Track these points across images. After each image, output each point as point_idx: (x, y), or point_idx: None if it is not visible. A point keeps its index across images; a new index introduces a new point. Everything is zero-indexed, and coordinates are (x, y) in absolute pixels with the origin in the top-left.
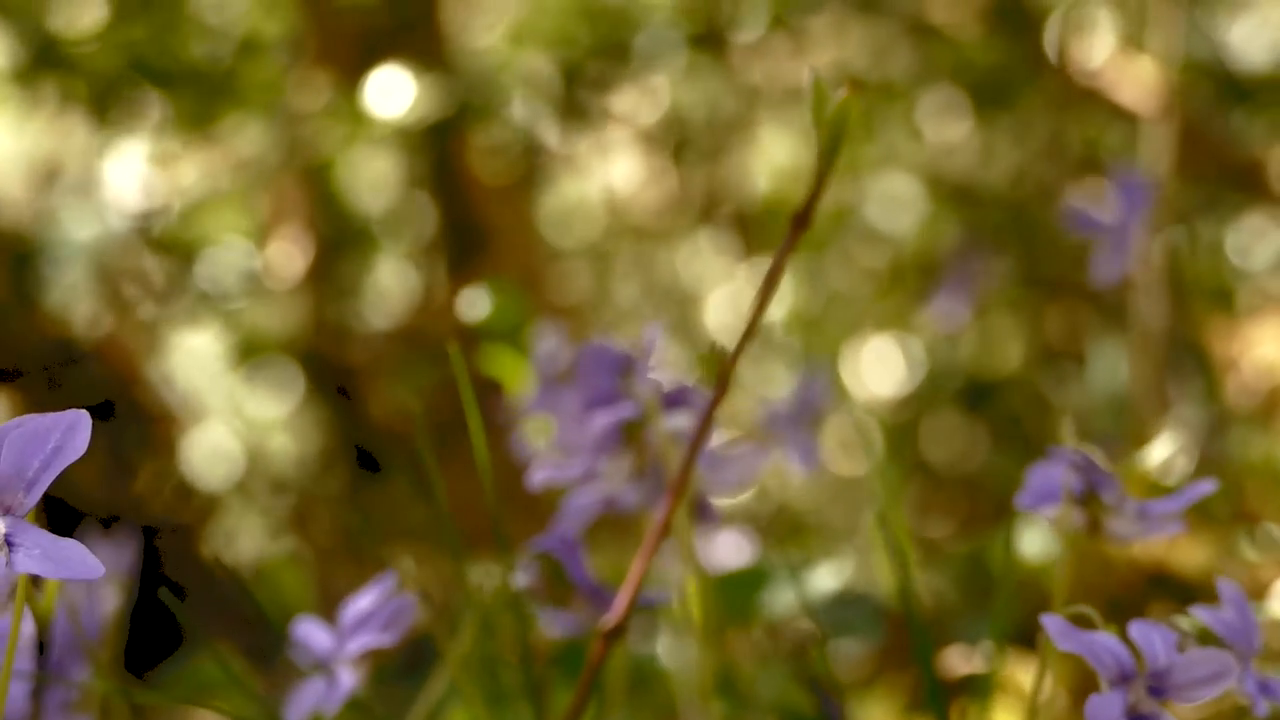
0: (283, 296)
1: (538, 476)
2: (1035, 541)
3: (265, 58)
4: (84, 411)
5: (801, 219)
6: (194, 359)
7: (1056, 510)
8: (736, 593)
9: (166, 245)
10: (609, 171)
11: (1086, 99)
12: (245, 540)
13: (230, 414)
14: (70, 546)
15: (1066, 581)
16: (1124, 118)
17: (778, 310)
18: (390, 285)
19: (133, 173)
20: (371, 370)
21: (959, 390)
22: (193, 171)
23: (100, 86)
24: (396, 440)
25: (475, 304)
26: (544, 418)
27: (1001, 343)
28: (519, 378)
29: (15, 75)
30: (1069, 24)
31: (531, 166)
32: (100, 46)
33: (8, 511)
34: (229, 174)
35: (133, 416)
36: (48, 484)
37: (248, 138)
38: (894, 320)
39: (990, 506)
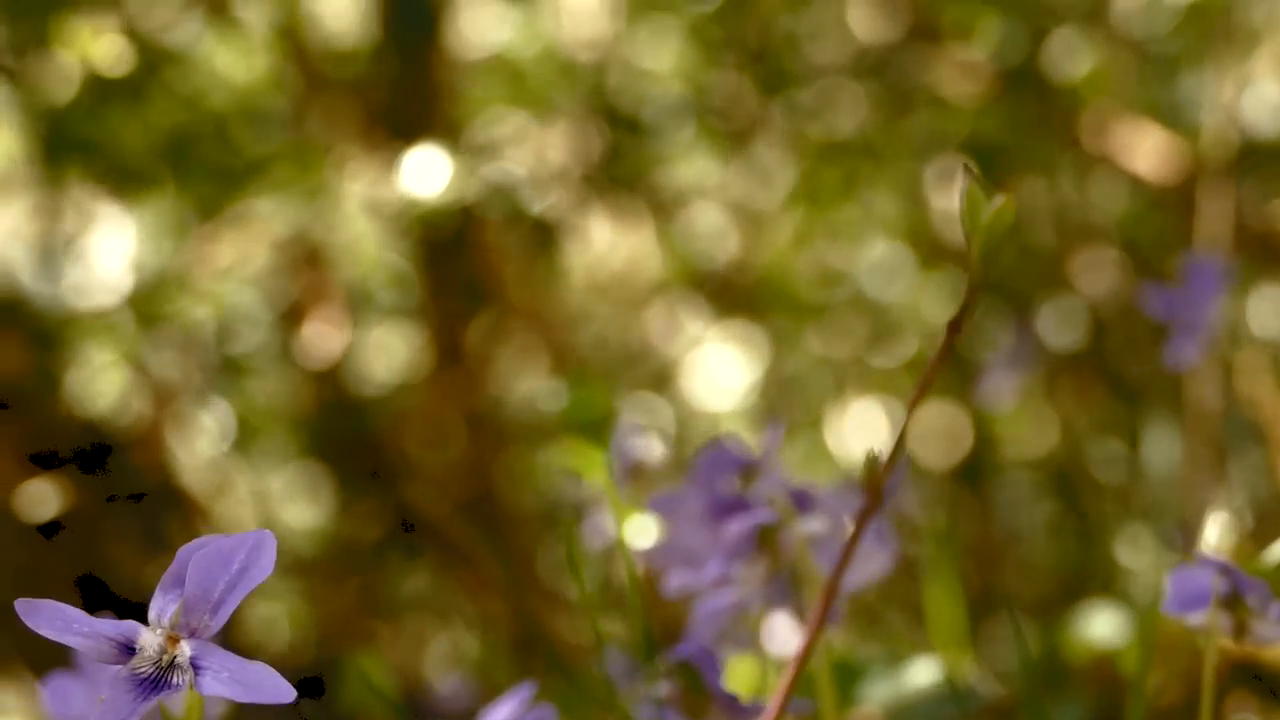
0: (315, 375)
1: (673, 583)
2: (1105, 625)
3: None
4: (268, 532)
5: (955, 326)
6: (223, 439)
7: (1203, 615)
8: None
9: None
10: (607, 239)
11: (1099, 167)
12: (280, 624)
13: (258, 494)
14: (259, 670)
15: (1149, 668)
16: (1138, 185)
17: (754, 373)
18: (410, 358)
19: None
20: (401, 448)
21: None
22: (228, 251)
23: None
24: (428, 521)
25: (556, 396)
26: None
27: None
28: (598, 470)
29: (33, 157)
30: (1082, 93)
31: (542, 237)
32: (122, 127)
33: (193, 634)
34: (264, 254)
35: (165, 497)
36: (234, 606)
37: (281, 218)
38: (879, 385)
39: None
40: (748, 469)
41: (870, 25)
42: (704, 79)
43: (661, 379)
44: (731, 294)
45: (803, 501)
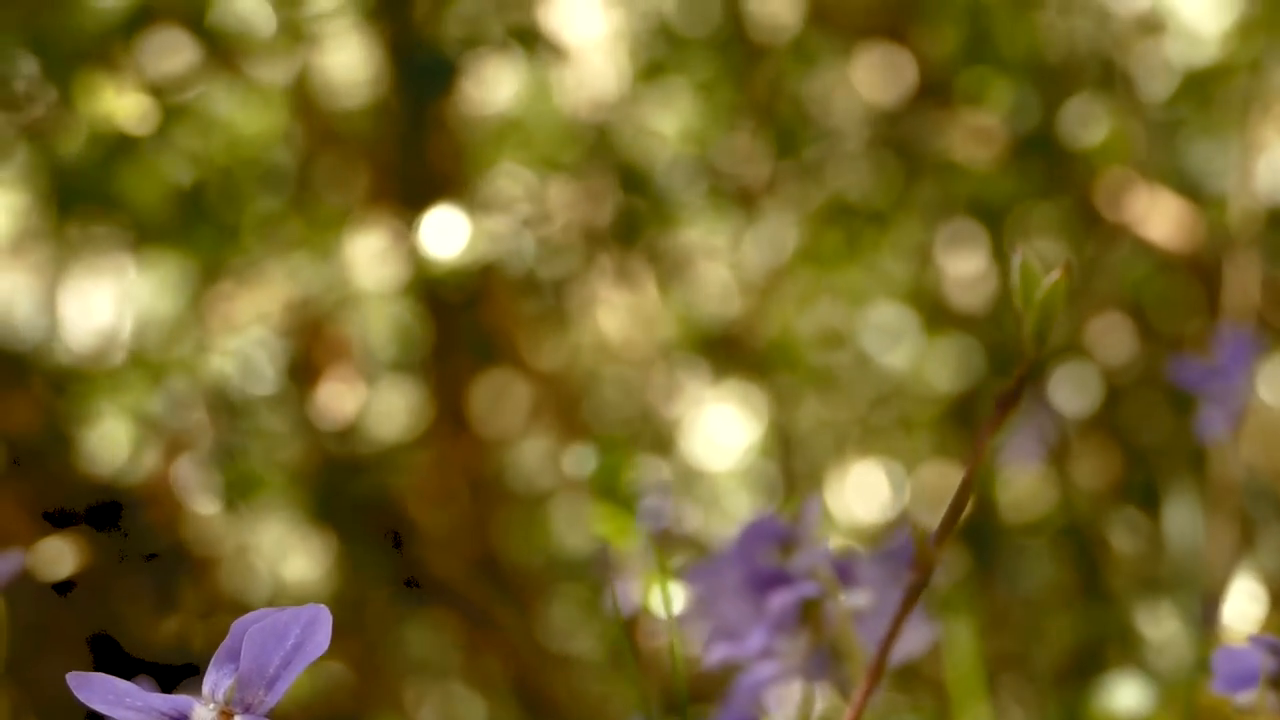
0: (324, 434)
1: (715, 654)
2: (1130, 695)
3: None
4: (323, 607)
5: (1008, 401)
6: (232, 497)
7: (1252, 694)
8: None
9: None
10: (613, 299)
11: (1114, 234)
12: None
13: (266, 552)
14: None
15: None
16: (1153, 253)
17: (755, 433)
18: (417, 417)
19: (137, 307)
20: (408, 506)
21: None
22: (239, 309)
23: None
24: (434, 580)
25: (583, 461)
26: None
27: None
28: (625, 536)
29: (44, 211)
30: (1097, 159)
31: (551, 297)
32: (135, 182)
33: (248, 710)
34: (276, 312)
35: (176, 556)
36: (290, 681)
37: (293, 277)
38: (881, 447)
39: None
40: (787, 540)
41: (880, 88)
42: (712, 140)
43: (662, 439)
44: (734, 354)
45: (846, 574)
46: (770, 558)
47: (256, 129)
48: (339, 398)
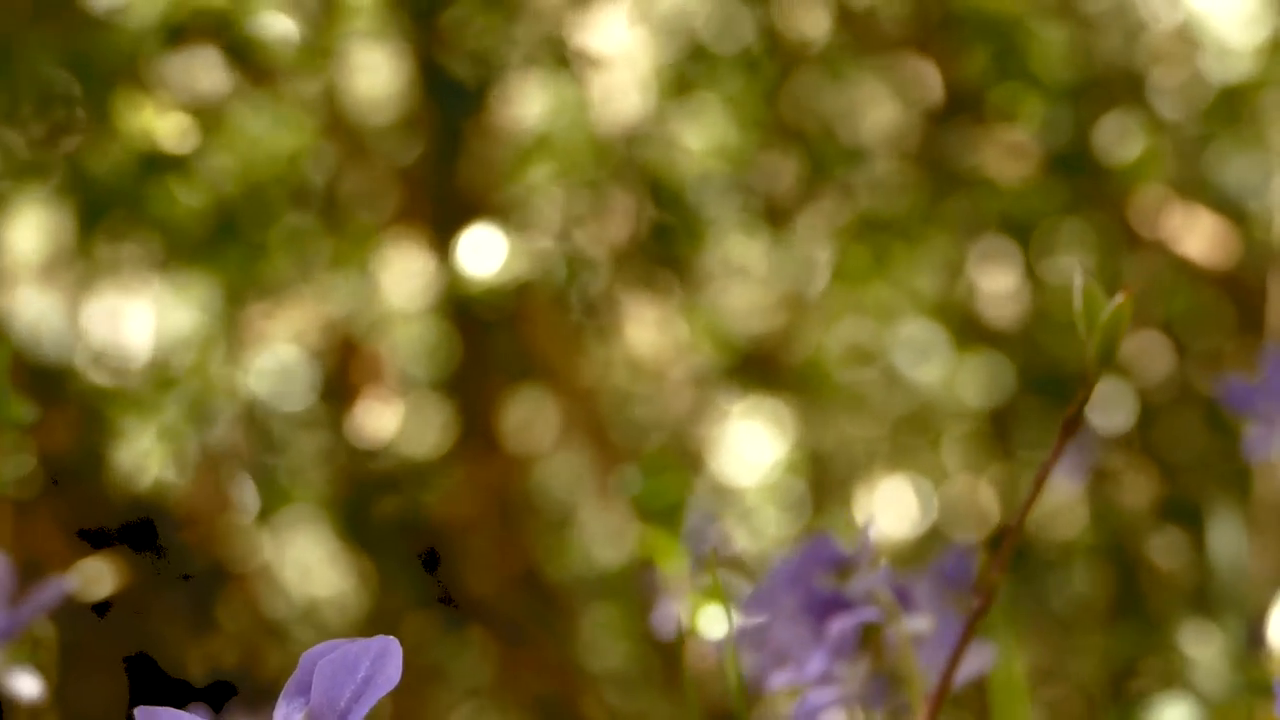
0: (360, 452)
1: (776, 680)
2: (1179, 716)
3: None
4: (393, 639)
5: (1071, 425)
6: (267, 515)
7: None
8: None
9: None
10: (644, 315)
11: (1149, 252)
12: None
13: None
14: None
15: None
16: (1189, 271)
17: (780, 450)
18: (452, 434)
19: (172, 325)
20: (443, 524)
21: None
22: (275, 328)
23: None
24: (470, 599)
25: (629, 482)
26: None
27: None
28: (672, 557)
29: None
30: (1132, 176)
31: (585, 314)
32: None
33: None
34: (311, 331)
35: (213, 575)
36: (362, 715)
37: (329, 296)
38: (910, 463)
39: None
40: (844, 564)
41: (911, 104)
42: (742, 157)
43: (691, 455)
44: (764, 370)
45: (905, 598)
46: (827, 581)
47: (287, 145)
48: (375, 416)
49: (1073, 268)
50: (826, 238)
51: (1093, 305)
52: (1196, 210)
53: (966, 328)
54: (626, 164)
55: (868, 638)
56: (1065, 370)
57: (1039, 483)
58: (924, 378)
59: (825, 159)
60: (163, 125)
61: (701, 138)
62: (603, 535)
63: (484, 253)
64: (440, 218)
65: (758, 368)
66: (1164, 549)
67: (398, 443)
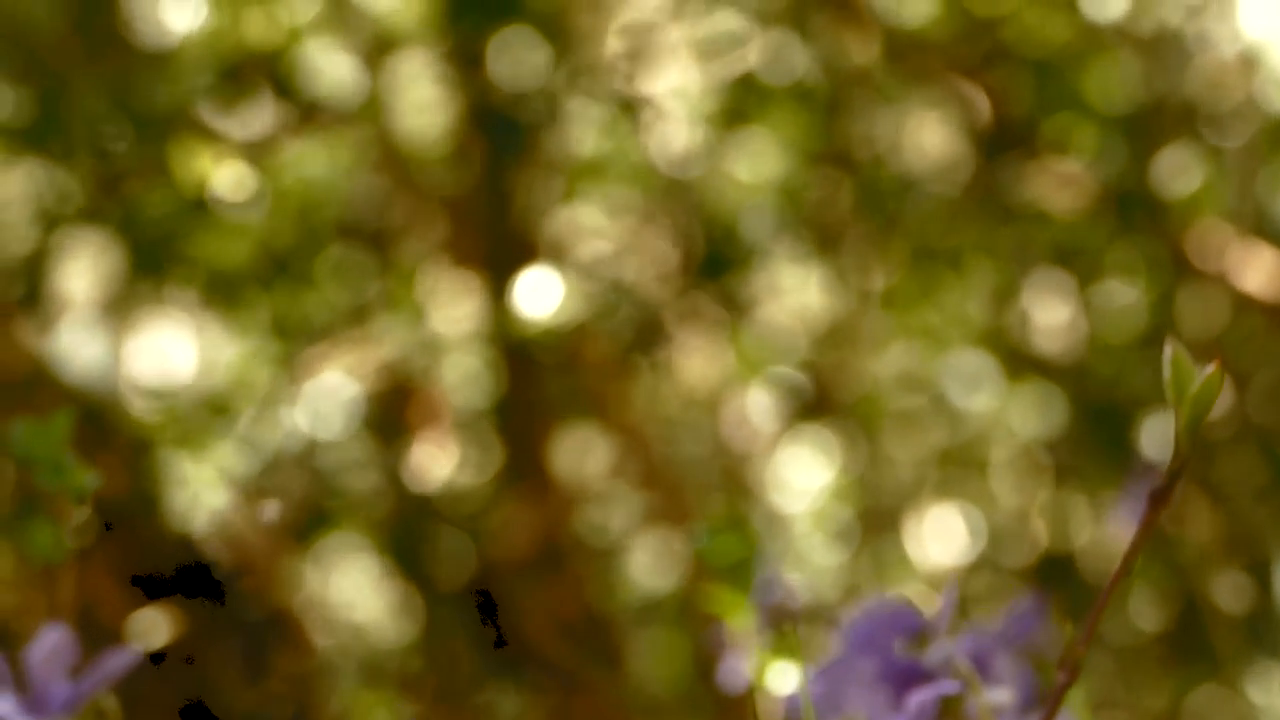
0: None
1: None
2: None
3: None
4: None
5: (1160, 498)
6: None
7: None
8: None
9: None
10: (695, 346)
11: (1206, 284)
12: None
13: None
14: None
15: None
16: (1246, 304)
17: (826, 477)
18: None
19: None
20: (498, 566)
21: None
22: (330, 368)
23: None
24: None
25: (696, 540)
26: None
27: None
28: (739, 614)
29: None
30: (1188, 208)
31: (638, 349)
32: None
33: None
34: (367, 372)
35: (268, 621)
36: None
37: (385, 337)
38: (958, 490)
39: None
40: (921, 631)
41: (962, 134)
42: (794, 187)
43: (739, 482)
44: (814, 399)
45: (985, 668)
46: (904, 648)
47: (339, 183)
48: (432, 457)
49: (1127, 298)
50: (877, 266)
51: (1182, 376)
52: (1255, 243)
53: (1017, 357)
54: (677, 196)
55: (946, 708)
56: (1118, 400)
57: (1127, 563)
58: (974, 406)
59: (876, 189)
60: (217, 173)
61: (752, 170)
62: (654, 568)
63: (540, 294)
64: (493, 255)
65: (809, 396)
66: (1226, 588)
67: (452, 482)
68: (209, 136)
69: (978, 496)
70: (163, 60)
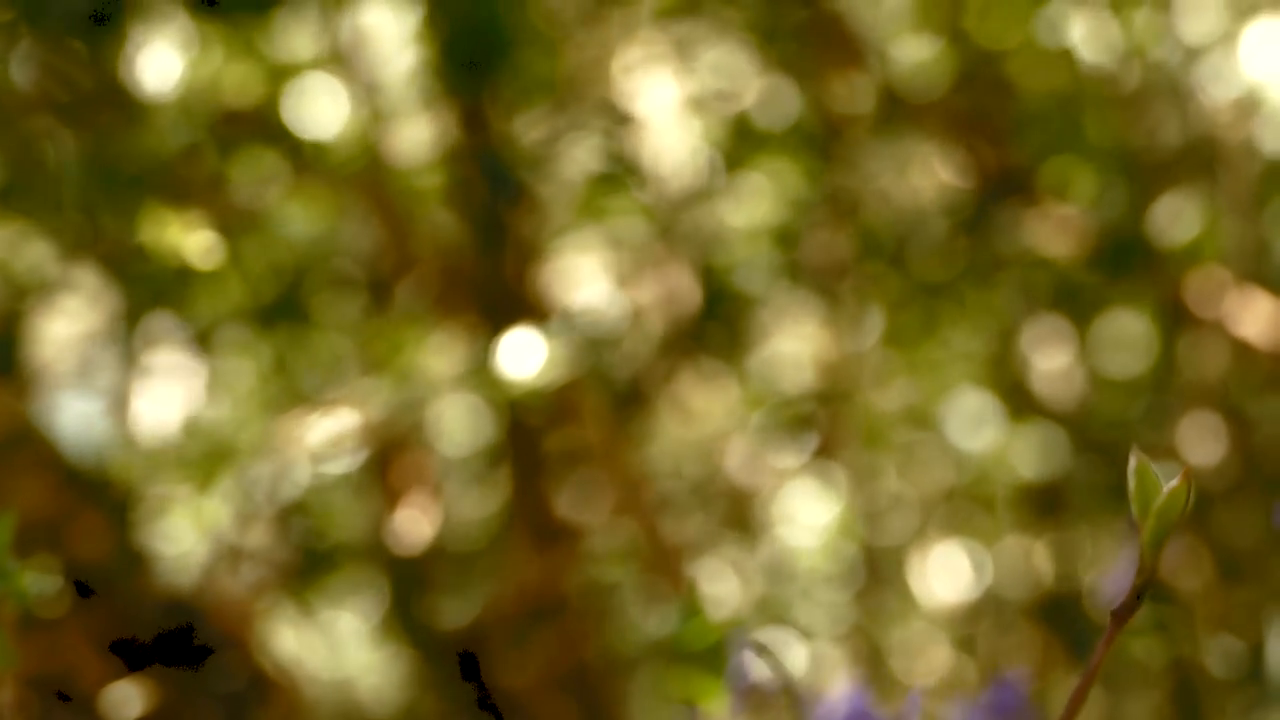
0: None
1: None
2: None
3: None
4: None
5: (1121, 616)
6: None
7: None
8: None
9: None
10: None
11: (1204, 332)
12: None
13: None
14: None
15: None
16: (1245, 353)
17: (835, 512)
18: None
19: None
20: (487, 620)
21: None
22: (314, 428)
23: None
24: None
25: (665, 622)
26: None
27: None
28: (713, 698)
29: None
30: (1187, 255)
31: (632, 399)
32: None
33: None
34: (354, 430)
35: (249, 682)
36: None
37: (372, 393)
38: (962, 527)
39: None
40: None
41: (960, 177)
42: (791, 232)
43: (741, 518)
44: (816, 436)
45: None
46: None
47: (326, 238)
48: (414, 523)
49: (1126, 343)
50: (877, 307)
51: (1147, 488)
52: (1254, 291)
53: (1018, 397)
54: (674, 243)
55: None
56: (1119, 438)
57: (1092, 672)
58: (976, 445)
59: (874, 234)
60: (190, 242)
61: (749, 216)
62: (650, 615)
63: (528, 352)
64: (486, 307)
65: (811, 432)
66: (1221, 654)
67: (440, 540)
68: (188, 204)
69: (982, 534)
70: (148, 115)
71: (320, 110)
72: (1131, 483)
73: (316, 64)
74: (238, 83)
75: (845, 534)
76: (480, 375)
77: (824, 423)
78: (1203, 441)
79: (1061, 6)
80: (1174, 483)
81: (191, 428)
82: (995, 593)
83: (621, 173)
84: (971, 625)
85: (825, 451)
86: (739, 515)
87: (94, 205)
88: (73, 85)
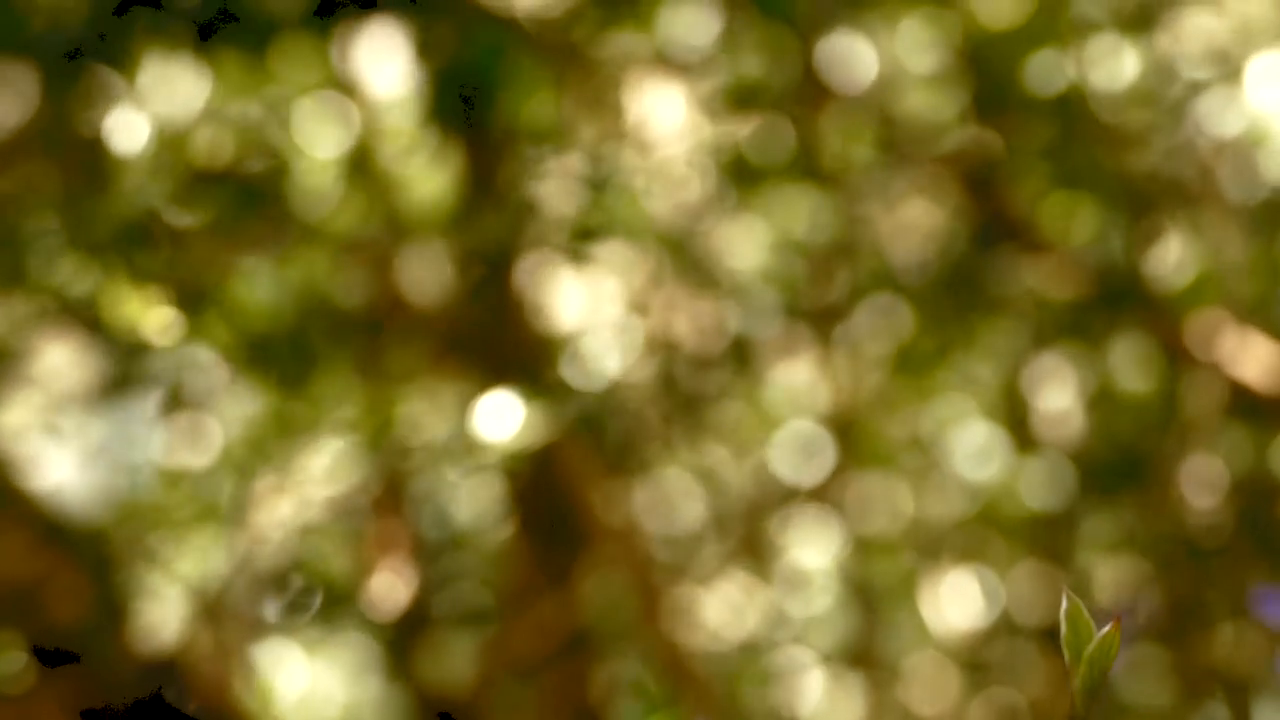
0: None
1: None
2: None
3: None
4: None
5: None
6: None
7: None
8: None
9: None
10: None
11: (1203, 373)
12: None
13: None
14: None
15: None
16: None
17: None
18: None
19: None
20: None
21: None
22: (289, 503)
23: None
24: None
25: (625, 714)
26: None
27: None
28: None
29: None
30: (1186, 297)
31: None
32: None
33: None
34: (330, 505)
35: None
36: None
37: (349, 468)
38: (972, 554)
39: None
40: None
41: (956, 219)
42: (790, 275)
43: (753, 544)
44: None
45: None
46: None
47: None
48: (392, 589)
49: (1127, 383)
50: (878, 343)
51: (1079, 634)
52: (1253, 332)
53: (1024, 430)
54: (677, 277)
55: None
56: (1126, 466)
57: None
58: (983, 475)
59: (872, 274)
60: (148, 317)
61: (748, 257)
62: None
63: (505, 418)
64: (474, 361)
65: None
66: None
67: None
68: (158, 260)
69: (994, 559)
70: (121, 170)
71: (315, 146)
72: (1064, 627)
73: (312, 99)
74: (215, 136)
75: (859, 557)
76: (461, 440)
77: (834, 450)
78: (1199, 486)
79: (1063, 44)
80: (1105, 629)
81: (172, 484)
82: (1008, 619)
83: (622, 205)
84: (983, 652)
85: (836, 478)
86: (751, 541)
87: (60, 275)
88: (47, 138)
